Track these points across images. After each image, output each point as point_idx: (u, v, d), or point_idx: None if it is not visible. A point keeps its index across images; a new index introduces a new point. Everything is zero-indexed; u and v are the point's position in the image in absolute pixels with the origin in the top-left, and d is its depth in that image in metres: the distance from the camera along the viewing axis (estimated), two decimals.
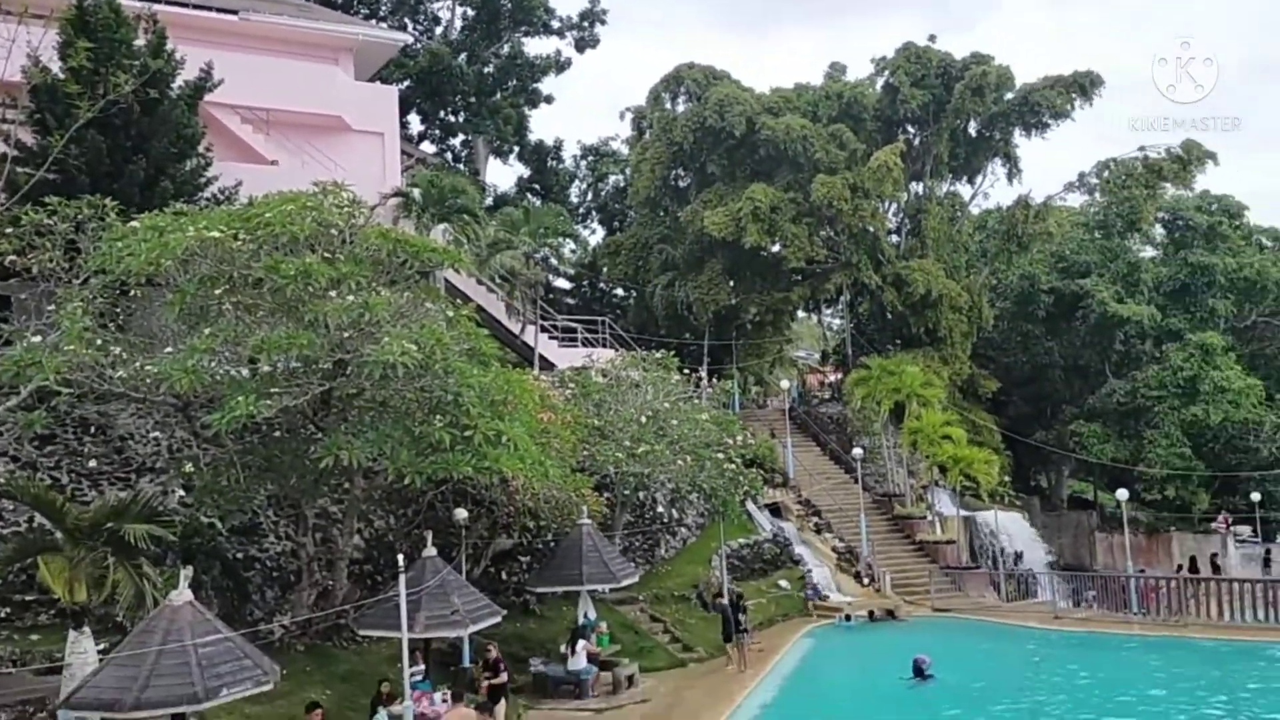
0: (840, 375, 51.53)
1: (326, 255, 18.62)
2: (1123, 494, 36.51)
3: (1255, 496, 44.59)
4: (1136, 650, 28.19)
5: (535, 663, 23.70)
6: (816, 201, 42.59)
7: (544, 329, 38.99)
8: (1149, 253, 56.25)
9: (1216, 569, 42.73)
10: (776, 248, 45.12)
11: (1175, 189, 50.40)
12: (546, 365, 35.84)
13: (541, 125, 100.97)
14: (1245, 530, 46.15)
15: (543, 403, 23.44)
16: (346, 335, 17.64)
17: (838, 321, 56.98)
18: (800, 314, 57.01)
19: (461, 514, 22.70)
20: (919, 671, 24.00)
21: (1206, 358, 47.41)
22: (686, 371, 33.47)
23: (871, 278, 45.20)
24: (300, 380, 17.96)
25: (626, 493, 28.37)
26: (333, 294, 17.66)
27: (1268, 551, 45.27)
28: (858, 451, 40.12)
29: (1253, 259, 51.82)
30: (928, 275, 44.98)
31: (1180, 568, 42.81)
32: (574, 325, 40.91)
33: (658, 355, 31.32)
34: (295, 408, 18.07)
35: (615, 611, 27.69)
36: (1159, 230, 55.24)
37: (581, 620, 23.98)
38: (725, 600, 26.83)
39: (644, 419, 27.59)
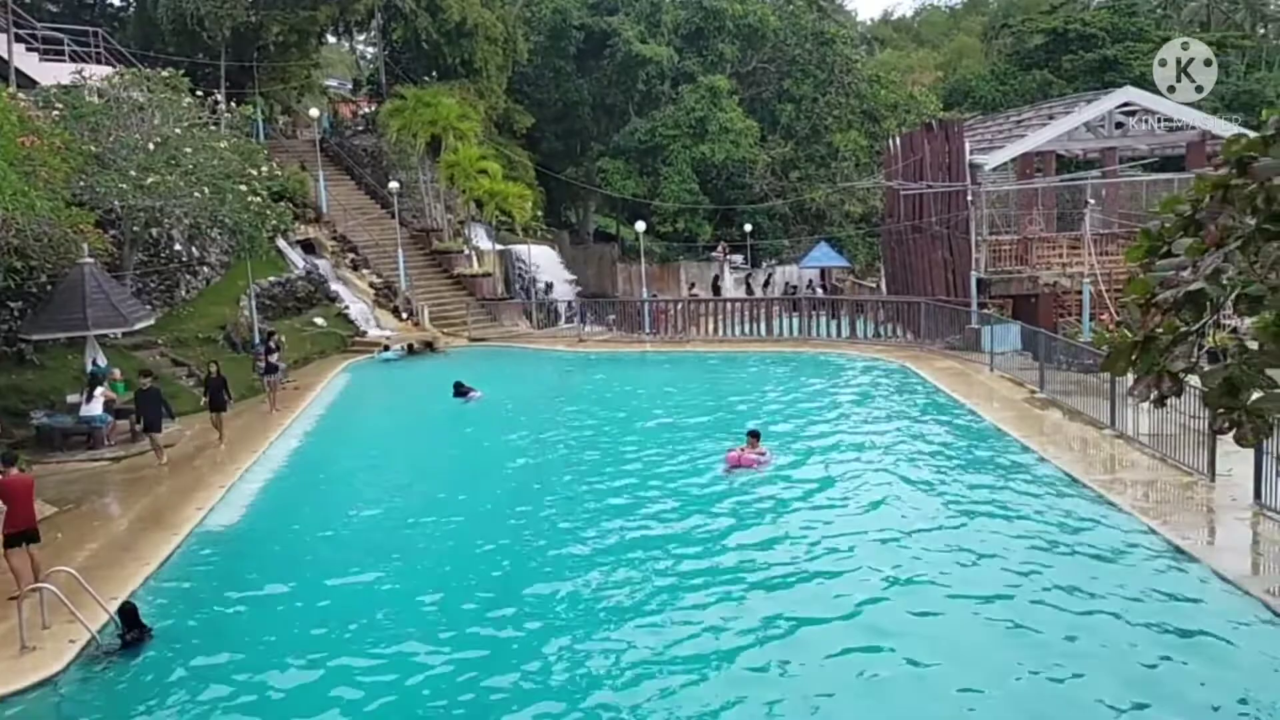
0: (375, 106, 49.51)
1: None
2: (640, 226, 39.43)
3: (747, 228, 50.37)
4: (647, 364, 31.69)
5: (38, 415, 21.56)
6: None
7: (20, 39, 33.04)
8: None
9: (750, 290, 48.47)
10: None
11: None
12: (27, 82, 30.69)
13: None
14: (738, 258, 52.38)
15: (23, 125, 20.22)
16: None
17: (371, 49, 54.01)
18: (330, 39, 53.32)
19: None
20: (461, 393, 25.07)
21: (714, 100, 51.41)
22: (201, 95, 30.28)
23: (405, 0, 42.90)
24: None
25: (136, 229, 25.83)
26: None
27: (769, 276, 51.97)
28: (394, 185, 39.36)
29: (756, 7, 55.68)
30: (463, 2, 43.54)
31: (693, 285, 47.97)
32: (59, 36, 35.01)
33: (165, 74, 27.91)
34: None
35: (131, 357, 25.67)
36: None
37: (91, 368, 21.96)
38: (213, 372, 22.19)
39: (152, 146, 24.90)
